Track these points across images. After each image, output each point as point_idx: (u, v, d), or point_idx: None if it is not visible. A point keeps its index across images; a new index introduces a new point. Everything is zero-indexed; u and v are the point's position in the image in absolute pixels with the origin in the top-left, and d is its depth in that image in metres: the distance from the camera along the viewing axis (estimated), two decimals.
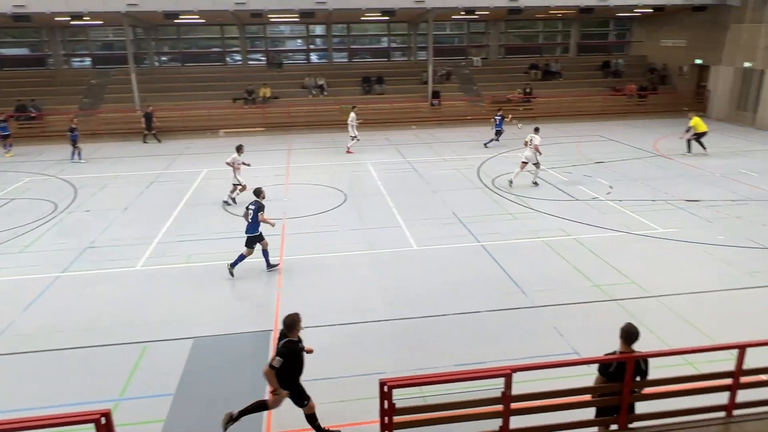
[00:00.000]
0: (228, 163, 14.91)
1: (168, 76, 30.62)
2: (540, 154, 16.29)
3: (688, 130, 20.28)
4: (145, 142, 24.01)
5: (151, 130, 24.02)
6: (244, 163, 15.11)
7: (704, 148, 20.29)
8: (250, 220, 10.29)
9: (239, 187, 14.98)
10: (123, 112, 26.13)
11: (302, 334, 6.20)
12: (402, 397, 5.28)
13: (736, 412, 5.58)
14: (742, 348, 5.39)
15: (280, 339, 6.15)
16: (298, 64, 33.68)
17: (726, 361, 5.94)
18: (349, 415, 6.65)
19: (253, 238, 10.41)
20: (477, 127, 26.61)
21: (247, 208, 10.41)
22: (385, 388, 4.94)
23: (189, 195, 16.20)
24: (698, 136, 20.21)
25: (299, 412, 6.45)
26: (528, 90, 29.19)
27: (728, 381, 5.50)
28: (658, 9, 27.93)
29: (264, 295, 9.90)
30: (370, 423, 6.23)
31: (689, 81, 30.19)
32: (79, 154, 20.70)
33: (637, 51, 35.06)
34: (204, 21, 29.70)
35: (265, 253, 10.70)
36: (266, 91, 28.10)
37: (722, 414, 5.59)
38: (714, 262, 10.98)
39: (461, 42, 35.43)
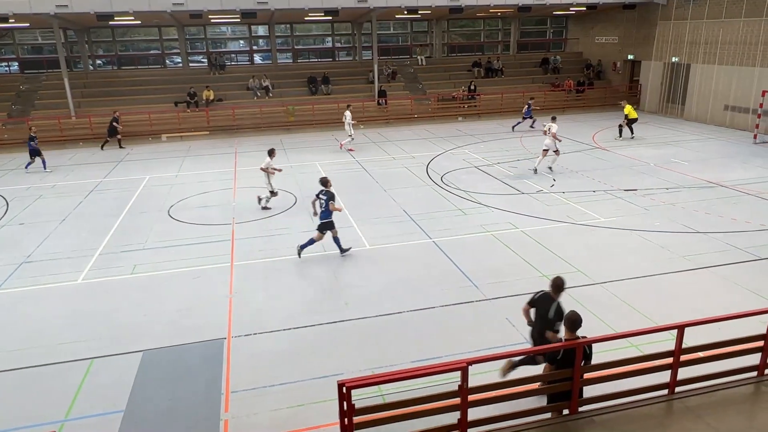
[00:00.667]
0: (262, 169, 14.50)
1: (104, 79, 29.36)
2: (559, 141, 17.47)
3: (625, 118, 22.04)
4: (121, 147, 23.44)
5: (116, 134, 23.38)
6: (275, 168, 14.68)
7: (632, 132, 22.20)
8: (321, 208, 11.18)
9: (270, 193, 14.71)
10: (57, 119, 24.85)
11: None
12: (361, 397, 5.30)
13: (678, 389, 5.89)
14: (681, 328, 5.69)
15: (543, 299, 6.41)
16: (242, 65, 33.05)
17: (667, 341, 6.27)
18: (309, 419, 6.60)
19: (326, 224, 11.22)
20: (424, 125, 26.94)
21: (318, 197, 11.28)
22: (344, 390, 4.94)
23: (132, 203, 15.61)
24: (630, 122, 22.04)
25: (259, 419, 6.32)
26: (472, 87, 29.79)
27: (669, 360, 5.80)
28: (591, 7, 29.11)
29: (215, 303, 9.66)
30: (330, 425, 6.22)
31: (623, 76, 31.63)
32: (30, 163, 19.88)
33: (573, 48, 36.40)
34: (140, 23, 28.67)
35: (336, 239, 11.40)
36: (209, 94, 27.42)
37: (665, 392, 5.89)
38: (652, 247, 11.54)
39: (405, 41, 35.73)
